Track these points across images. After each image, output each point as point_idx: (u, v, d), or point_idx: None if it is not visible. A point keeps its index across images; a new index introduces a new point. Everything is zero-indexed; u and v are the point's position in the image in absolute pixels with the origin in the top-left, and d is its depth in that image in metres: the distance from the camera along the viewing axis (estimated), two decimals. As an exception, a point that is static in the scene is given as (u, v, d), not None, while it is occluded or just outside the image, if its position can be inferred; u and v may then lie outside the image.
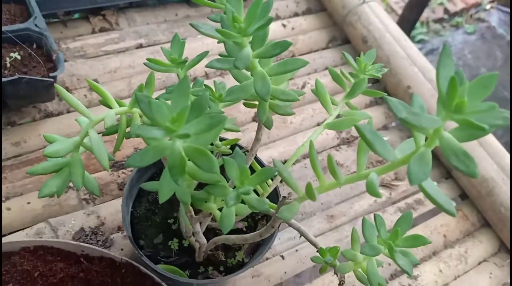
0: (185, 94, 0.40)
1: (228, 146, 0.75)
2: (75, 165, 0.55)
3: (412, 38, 2.34)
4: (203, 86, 0.59)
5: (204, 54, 0.59)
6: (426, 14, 2.45)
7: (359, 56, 0.65)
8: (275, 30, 1.30)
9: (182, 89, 0.40)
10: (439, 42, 2.50)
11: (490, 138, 1.09)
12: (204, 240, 0.63)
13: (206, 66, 0.53)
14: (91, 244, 0.82)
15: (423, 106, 0.37)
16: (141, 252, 0.64)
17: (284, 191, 1.00)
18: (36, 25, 0.94)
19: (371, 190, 0.41)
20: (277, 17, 1.34)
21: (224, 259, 0.71)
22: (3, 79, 0.84)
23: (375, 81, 1.28)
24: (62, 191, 0.56)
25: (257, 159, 0.73)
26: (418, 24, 2.38)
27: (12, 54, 0.91)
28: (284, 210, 0.47)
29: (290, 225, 0.65)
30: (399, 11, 2.31)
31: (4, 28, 0.91)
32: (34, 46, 0.95)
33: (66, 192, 0.90)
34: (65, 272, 0.71)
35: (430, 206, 1.09)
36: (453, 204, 0.40)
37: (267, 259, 0.91)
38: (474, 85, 0.35)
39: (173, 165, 0.41)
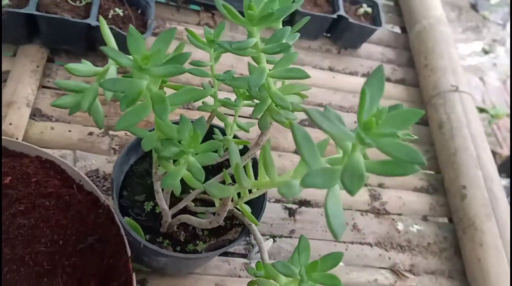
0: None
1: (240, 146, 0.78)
2: (89, 91, 0.62)
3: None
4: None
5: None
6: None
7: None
8: (358, 84, 1.31)
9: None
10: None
11: None
12: (165, 206, 0.66)
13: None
14: (96, 185, 0.90)
15: (341, 119, 0.37)
16: (114, 197, 0.69)
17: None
18: (147, -5, 1.07)
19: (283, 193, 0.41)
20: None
21: (183, 241, 0.73)
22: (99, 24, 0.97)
23: (433, 161, 1.22)
24: (71, 106, 0.63)
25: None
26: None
27: (117, 9, 1.04)
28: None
29: (252, 232, 0.66)
30: (506, 150, 2.16)
31: (121, -12, 1.06)
32: (139, 11, 1.08)
33: (102, 136, 0.99)
34: (56, 189, 0.78)
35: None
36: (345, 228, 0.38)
37: (239, 276, 0.91)
38: (396, 115, 0.34)
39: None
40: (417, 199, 1.15)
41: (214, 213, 0.74)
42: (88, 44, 1.05)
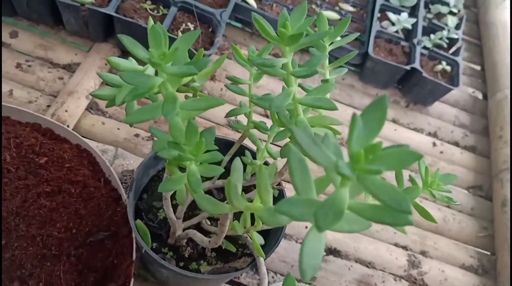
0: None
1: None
2: (126, 87, 0.63)
3: None
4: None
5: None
6: None
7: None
8: (421, 142, 1.23)
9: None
10: None
11: None
12: (171, 214, 0.64)
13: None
14: (126, 184, 0.90)
15: (339, 151, 0.33)
16: (130, 196, 0.69)
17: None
18: (221, 15, 1.10)
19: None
20: (434, 135, 1.27)
21: (187, 257, 0.70)
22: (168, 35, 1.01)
23: (489, 240, 1.10)
24: (108, 99, 0.64)
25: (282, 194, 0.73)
26: None
27: (189, 24, 1.08)
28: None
29: (259, 265, 0.62)
30: None
31: (198, 5, 1.10)
32: (210, 29, 1.11)
33: (147, 140, 1.01)
34: (84, 179, 0.80)
35: None
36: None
37: (245, 310, 0.86)
38: (392, 153, 0.30)
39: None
40: (462, 277, 1.04)
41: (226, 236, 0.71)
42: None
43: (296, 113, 0.56)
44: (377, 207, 0.32)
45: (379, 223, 0.33)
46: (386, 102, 0.31)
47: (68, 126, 0.95)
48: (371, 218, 0.32)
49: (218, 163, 0.48)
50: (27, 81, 1.02)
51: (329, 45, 0.64)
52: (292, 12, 0.50)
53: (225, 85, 0.68)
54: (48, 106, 0.99)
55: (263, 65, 0.49)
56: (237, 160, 0.48)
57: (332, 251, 0.98)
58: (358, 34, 0.65)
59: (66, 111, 0.96)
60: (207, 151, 0.48)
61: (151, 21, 0.60)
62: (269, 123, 0.69)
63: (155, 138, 1.02)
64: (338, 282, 0.95)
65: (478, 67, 1.53)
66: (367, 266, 0.99)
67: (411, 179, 0.64)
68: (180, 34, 1.05)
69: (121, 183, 0.91)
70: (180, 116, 0.52)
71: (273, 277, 0.92)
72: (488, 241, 1.11)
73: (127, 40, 0.42)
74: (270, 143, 0.70)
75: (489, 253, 1.10)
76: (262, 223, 0.57)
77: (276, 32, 0.49)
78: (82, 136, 0.97)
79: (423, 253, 1.05)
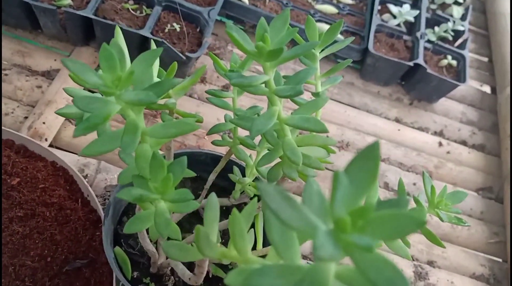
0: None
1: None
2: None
3: None
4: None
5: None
6: None
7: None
8: (426, 142, 1.16)
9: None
10: None
11: None
12: (149, 246, 0.57)
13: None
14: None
15: (323, 201, 0.26)
16: (105, 222, 0.63)
17: None
18: (208, 14, 1.02)
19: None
20: (440, 134, 1.20)
21: (171, 288, 0.64)
22: (152, 37, 0.94)
23: (501, 246, 1.03)
24: (76, 117, 0.57)
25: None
26: None
27: (174, 24, 1.00)
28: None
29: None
30: None
31: (184, 3, 1.02)
32: (198, 29, 1.04)
33: (132, 151, 0.95)
34: (60, 200, 0.74)
35: None
36: None
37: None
38: (388, 218, 0.23)
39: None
40: (472, 288, 0.97)
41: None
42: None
43: (283, 134, 0.49)
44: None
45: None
46: (378, 150, 0.24)
47: (46, 139, 0.88)
48: (362, 294, 0.26)
49: (201, 188, 0.42)
50: (4, 91, 0.95)
51: (320, 52, 0.57)
52: (272, 21, 0.43)
53: (206, 99, 0.61)
54: (26, 117, 0.92)
55: (240, 85, 0.42)
56: (212, 196, 0.41)
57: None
58: (353, 38, 0.58)
59: (43, 123, 0.90)
60: (183, 187, 0.41)
61: (118, 31, 0.53)
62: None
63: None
64: None
65: (485, 59, 1.44)
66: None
67: (415, 200, 0.57)
68: (165, 33, 0.98)
69: (104, 199, 0.84)
70: (149, 143, 0.45)
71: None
72: (500, 247, 1.05)
73: (72, 65, 0.36)
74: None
75: (500, 260, 1.04)
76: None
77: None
78: (63, 149, 0.91)
79: (430, 263, 0.99)
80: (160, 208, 0.42)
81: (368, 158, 0.24)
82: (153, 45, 0.55)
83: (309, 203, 0.27)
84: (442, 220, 0.55)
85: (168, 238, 0.45)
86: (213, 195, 0.42)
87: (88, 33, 1.01)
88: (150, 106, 0.52)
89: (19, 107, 0.94)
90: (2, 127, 0.80)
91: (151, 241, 0.59)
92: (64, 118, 0.93)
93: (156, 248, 0.63)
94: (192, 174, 0.47)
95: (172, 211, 0.43)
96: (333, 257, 0.22)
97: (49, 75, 1.00)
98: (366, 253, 0.23)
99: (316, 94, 0.54)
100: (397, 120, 1.19)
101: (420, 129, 1.19)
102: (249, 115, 0.57)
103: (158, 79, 0.52)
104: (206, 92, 0.57)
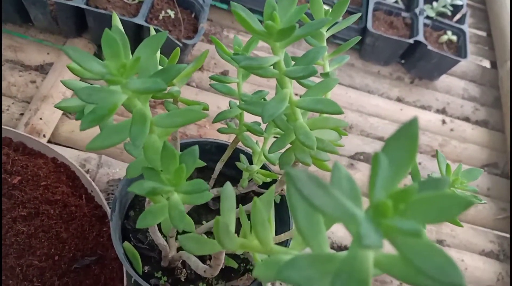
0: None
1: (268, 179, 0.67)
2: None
3: None
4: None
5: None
6: None
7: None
8: (429, 120, 1.14)
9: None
10: None
11: None
12: (160, 240, 0.56)
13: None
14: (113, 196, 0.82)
15: (353, 185, 0.24)
16: (113, 217, 0.61)
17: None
18: (203, -1, 1.00)
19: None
20: (442, 111, 1.18)
21: (184, 280, 0.63)
22: (146, 24, 0.91)
23: (509, 222, 1.02)
24: (77, 111, 0.55)
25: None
26: None
27: (168, 11, 0.98)
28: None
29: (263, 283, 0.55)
30: None
31: (178, -11, 0.99)
32: (193, 15, 1.01)
33: (133, 144, 0.93)
34: (63, 197, 0.72)
35: None
36: None
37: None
38: (431, 199, 0.22)
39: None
40: (483, 265, 0.97)
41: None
42: (136, 43, 0.99)
43: (294, 118, 0.47)
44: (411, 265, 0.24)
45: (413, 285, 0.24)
46: (416, 127, 0.23)
47: (44, 136, 0.86)
48: (405, 280, 0.24)
49: (208, 178, 0.40)
50: (-3, 88, 0.93)
51: (327, 31, 0.55)
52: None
53: (209, 85, 0.59)
54: (22, 114, 0.90)
55: (249, 67, 0.40)
56: (228, 186, 0.39)
57: (342, 249, 0.91)
58: (360, 15, 0.56)
59: (40, 118, 0.88)
60: (190, 177, 0.39)
61: (116, 18, 0.50)
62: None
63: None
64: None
65: (483, 34, 1.43)
66: (381, 262, 0.92)
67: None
68: (160, 20, 0.95)
69: (107, 194, 0.83)
70: (156, 134, 0.43)
71: (281, 283, 0.85)
72: (508, 223, 1.04)
73: (73, 53, 0.34)
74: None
75: (509, 235, 1.03)
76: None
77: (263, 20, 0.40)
78: (62, 145, 0.89)
79: (439, 242, 0.98)
80: (174, 201, 0.40)
81: (406, 136, 0.22)
82: (153, 32, 0.53)
83: (339, 188, 0.26)
84: (459, 198, 0.54)
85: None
86: (228, 184, 0.40)
87: (81, 24, 0.98)
88: (155, 95, 0.50)
89: (14, 103, 0.91)
90: (-1, 125, 0.78)
91: (162, 234, 0.57)
92: (62, 113, 0.91)
93: (166, 241, 0.61)
94: (202, 163, 0.45)
95: (185, 203, 0.41)
96: (379, 244, 0.20)
97: (43, 69, 0.97)
98: (410, 238, 0.21)
99: (325, 75, 0.52)
100: (399, 100, 1.17)
101: (423, 107, 1.18)
102: (256, 100, 0.55)
103: (161, 67, 0.50)
104: (210, 77, 0.55)
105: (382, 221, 0.22)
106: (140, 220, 0.42)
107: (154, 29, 0.89)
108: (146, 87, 0.34)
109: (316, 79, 0.46)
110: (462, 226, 0.56)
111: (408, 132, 0.22)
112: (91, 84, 0.50)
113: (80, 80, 0.71)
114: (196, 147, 0.40)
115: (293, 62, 0.48)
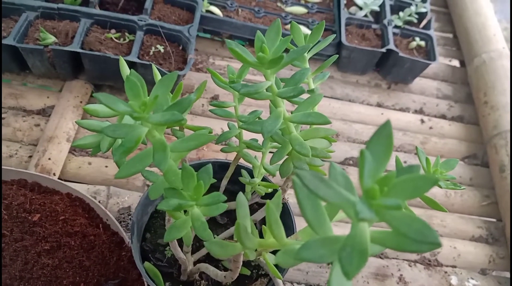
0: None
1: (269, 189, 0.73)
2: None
3: None
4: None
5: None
6: None
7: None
8: (409, 121, 1.23)
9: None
10: None
11: None
12: (180, 254, 0.62)
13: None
14: (126, 222, 0.88)
15: (347, 179, 0.31)
16: (133, 240, 0.67)
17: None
18: (188, 31, 1.07)
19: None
20: (420, 111, 1.27)
21: (204, 291, 0.69)
22: (139, 61, 0.98)
23: (494, 207, 1.10)
24: (92, 147, 0.62)
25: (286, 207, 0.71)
26: None
27: (158, 46, 1.05)
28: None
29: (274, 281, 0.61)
30: None
31: (164, 25, 1.07)
32: (180, 47, 1.08)
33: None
34: (82, 228, 0.77)
35: None
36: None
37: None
38: (406, 181, 0.29)
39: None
40: (474, 249, 1.04)
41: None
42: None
43: (289, 131, 0.54)
44: (400, 234, 0.31)
45: (403, 252, 0.31)
46: (390, 127, 0.30)
47: (54, 174, 0.92)
48: (395, 248, 0.31)
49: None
50: (4, 134, 0.98)
51: (307, 53, 0.62)
52: (266, 33, 0.48)
53: (209, 110, 0.66)
54: (30, 156, 0.96)
55: (248, 93, 0.47)
56: (241, 196, 0.46)
57: (343, 249, 0.97)
58: (334, 36, 0.64)
59: (49, 159, 0.93)
60: (207, 192, 0.46)
61: (123, 63, 0.57)
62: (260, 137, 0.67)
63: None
64: (355, 279, 0.94)
65: (450, 35, 1.53)
66: (380, 257, 0.98)
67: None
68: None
69: (120, 222, 0.88)
70: (172, 158, 0.50)
71: (292, 283, 0.91)
72: (492, 208, 1.12)
73: (103, 98, 0.40)
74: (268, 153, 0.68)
75: (495, 220, 1.11)
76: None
77: (252, 39, 0.48)
78: (71, 181, 0.95)
79: (432, 232, 1.05)
80: (196, 214, 0.46)
81: (383, 135, 0.29)
82: (155, 70, 0.60)
83: (336, 182, 0.33)
84: (441, 187, 0.61)
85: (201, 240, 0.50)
86: (240, 194, 0.47)
87: (77, 66, 1.04)
88: (170, 125, 0.57)
89: (22, 147, 0.97)
90: (13, 168, 0.83)
91: (181, 249, 0.63)
92: (68, 151, 0.97)
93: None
94: (213, 180, 0.52)
95: (204, 214, 0.48)
96: (372, 218, 0.27)
97: (45, 112, 1.03)
98: (395, 212, 0.28)
99: (311, 91, 0.59)
100: (379, 105, 1.26)
101: (402, 110, 1.26)
102: (253, 120, 0.62)
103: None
104: (211, 104, 0.62)
105: (372, 202, 0.28)
106: (167, 234, 0.48)
107: (147, 64, 0.96)
108: (166, 119, 0.41)
109: (303, 95, 0.53)
110: (446, 211, 0.63)
111: (384, 132, 0.29)
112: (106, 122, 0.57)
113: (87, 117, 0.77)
114: (210, 166, 0.47)
115: (282, 83, 0.55)
